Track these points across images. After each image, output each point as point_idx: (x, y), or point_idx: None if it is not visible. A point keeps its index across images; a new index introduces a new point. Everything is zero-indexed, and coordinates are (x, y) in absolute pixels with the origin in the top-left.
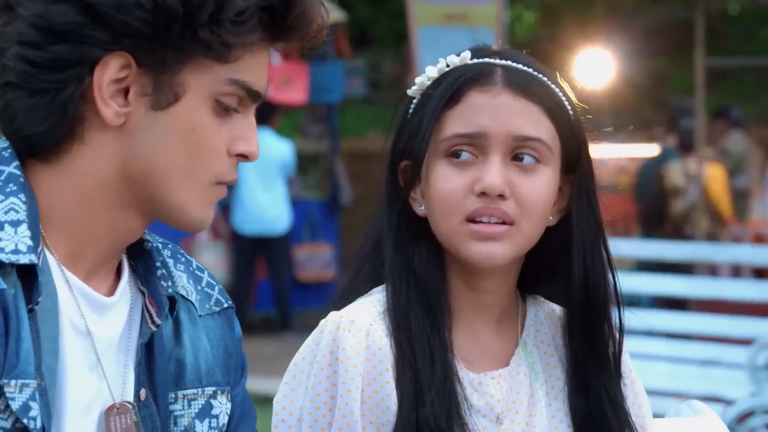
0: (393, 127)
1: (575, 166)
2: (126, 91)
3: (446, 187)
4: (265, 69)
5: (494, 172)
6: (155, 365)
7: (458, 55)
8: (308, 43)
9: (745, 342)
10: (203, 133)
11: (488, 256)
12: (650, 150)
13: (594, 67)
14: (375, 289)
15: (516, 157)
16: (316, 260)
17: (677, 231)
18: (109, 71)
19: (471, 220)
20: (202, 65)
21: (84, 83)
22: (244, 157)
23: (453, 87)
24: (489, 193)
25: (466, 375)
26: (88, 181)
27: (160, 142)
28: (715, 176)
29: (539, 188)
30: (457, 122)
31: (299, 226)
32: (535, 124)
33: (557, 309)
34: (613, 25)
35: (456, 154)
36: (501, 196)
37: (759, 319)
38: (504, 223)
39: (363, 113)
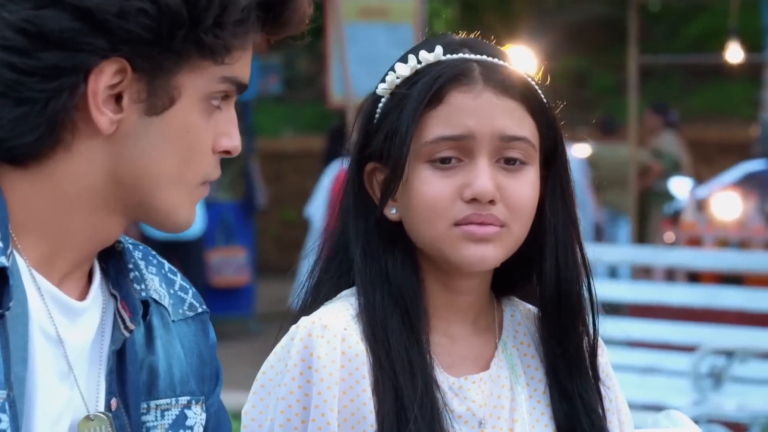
0: (356, 127)
1: (550, 162)
2: (117, 97)
3: (431, 192)
4: (250, 59)
5: (484, 177)
6: (127, 373)
7: (430, 51)
8: (293, 34)
9: (687, 349)
10: (196, 135)
11: (481, 259)
12: (577, 150)
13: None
14: (344, 292)
15: (502, 159)
16: (230, 264)
17: None
18: (104, 78)
19: (459, 224)
20: (198, 67)
21: (78, 91)
22: (227, 152)
23: (433, 87)
24: (480, 199)
25: (446, 380)
26: (71, 187)
27: (154, 147)
28: None
29: (527, 190)
30: (439, 124)
31: (212, 228)
32: (518, 122)
33: (534, 309)
34: (534, 22)
35: (443, 160)
36: (491, 201)
37: (701, 325)
38: (493, 224)
39: (277, 112)
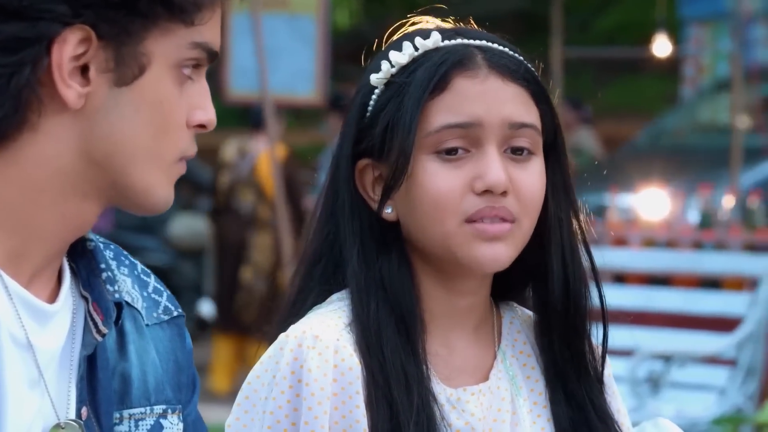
0: (347, 121)
1: (550, 152)
2: (84, 69)
3: (440, 186)
4: (219, 24)
5: (496, 167)
6: (98, 381)
7: (425, 38)
8: None
9: (623, 353)
10: (169, 106)
11: (493, 259)
12: None
13: None
14: (333, 297)
15: (509, 149)
16: None
17: (226, 204)
18: (68, 48)
19: (470, 220)
20: (167, 30)
21: (42, 64)
22: (203, 127)
23: (437, 73)
24: (494, 190)
25: (443, 391)
26: (39, 172)
27: (126, 121)
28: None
29: (536, 181)
30: (444, 112)
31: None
32: (525, 108)
33: (533, 315)
34: (441, 14)
35: (450, 151)
36: (503, 193)
37: (638, 329)
38: (505, 220)
39: None
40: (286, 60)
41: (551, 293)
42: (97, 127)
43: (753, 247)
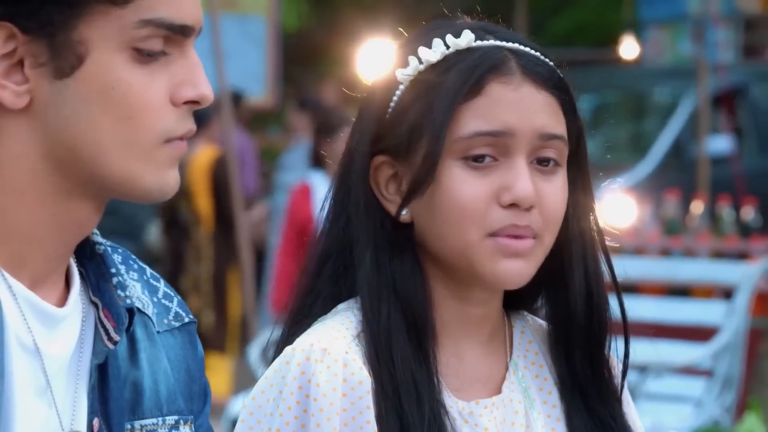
0: (366, 117)
1: (572, 160)
2: (21, 65)
3: (466, 194)
4: None
5: (526, 179)
6: (109, 390)
7: (456, 36)
8: None
9: None
10: (127, 89)
11: (516, 276)
12: None
13: (380, 59)
14: (339, 307)
15: (535, 159)
16: None
17: (171, 214)
18: None
19: (493, 235)
20: (100, 14)
21: None
22: (195, 103)
23: (472, 76)
24: (521, 204)
25: (454, 404)
26: (13, 173)
27: (79, 113)
28: (201, 163)
29: (561, 196)
30: (477, 118)
31: None
32: (556, 119)
33: (545, 324)
34: (398, 13)
35: (477, 158)
36: (528, 208)
37: (612, 339)
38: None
39: None
40: (236, 61)
41: (573, 306)
42: (52, 123)
43: (721, 255)
